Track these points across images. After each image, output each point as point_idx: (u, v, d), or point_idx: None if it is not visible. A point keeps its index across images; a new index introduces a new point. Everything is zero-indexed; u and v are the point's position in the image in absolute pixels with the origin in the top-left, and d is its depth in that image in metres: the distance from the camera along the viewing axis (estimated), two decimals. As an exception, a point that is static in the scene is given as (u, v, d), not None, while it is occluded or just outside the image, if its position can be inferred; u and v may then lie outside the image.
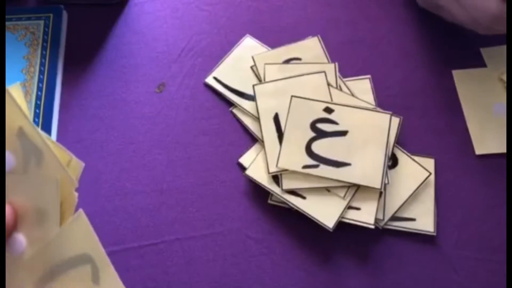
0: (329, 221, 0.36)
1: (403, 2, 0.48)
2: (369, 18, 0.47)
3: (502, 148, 0.40)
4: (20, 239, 0.23)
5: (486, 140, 0.41)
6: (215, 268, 0.37)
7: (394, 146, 0.39)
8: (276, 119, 0.40)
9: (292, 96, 0.40)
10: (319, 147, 0.38)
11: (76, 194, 0.23)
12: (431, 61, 0.45)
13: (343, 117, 0.39)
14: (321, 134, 0.38)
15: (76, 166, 0.24)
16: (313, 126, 0.39)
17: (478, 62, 0.44)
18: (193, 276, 0.37)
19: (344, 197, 0.36)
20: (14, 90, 0.23)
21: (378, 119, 0.38)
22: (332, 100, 0.40)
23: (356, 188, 0.37)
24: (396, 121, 0.40)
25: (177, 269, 0.37)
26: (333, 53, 0.43)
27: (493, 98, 0.42)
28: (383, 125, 0.38)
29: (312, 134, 0.38)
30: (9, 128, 0.23)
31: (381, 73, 0.43)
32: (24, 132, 0.23)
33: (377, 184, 0.36)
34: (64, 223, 0.23)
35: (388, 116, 0.38)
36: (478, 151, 0.41)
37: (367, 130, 0.38)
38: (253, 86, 0.41)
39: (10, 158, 0.24)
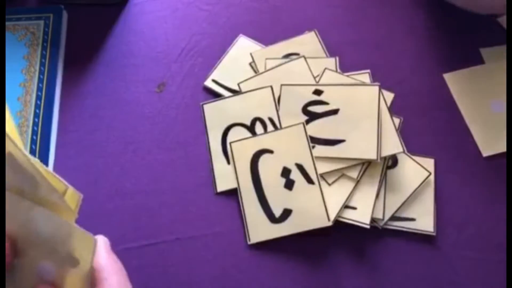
0: (330, 215, 0.36)
1: (403, 2, 0.48)
2: (369, 19, 0.47)
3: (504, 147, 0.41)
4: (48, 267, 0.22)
5: (491, 141, 0.41)
6: (215, 268, 0.37)
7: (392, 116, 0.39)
8: None
9: (281, 84, 0.40)
10: (312, 129, 0.38)
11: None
12: (431, 61, 0.45)
13: (332, 97, 0.39)
14: (313, 116, 0.39)
15: (74, 196, 0.22)
16: (304, 109, 0.39)
17: (478, 62, 0.44)
18: (193, 276, 0.37)
19: (357, 178, 0.37)
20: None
21: (367, 92, 0.39)
22: (318, 82, 0.40)
23: (366, 167, 0.37)
24: (390, 96, 0.41)
25: (177, 269, 0.37)
26: (333, 52, 0.44)
27: (490, 95, 0.43)
28: (372, 98, 0.38)
29: (305, 118, 0.39)
30: None
31: (381, 73, 0.43)
32: (13, 157, 0.21)
33: (372, 155, 0.36)
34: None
35: (376, 88, 0.39)
36: (485, 153, 0.41)
37: (357, 105, 0.38)
38: (238, 84, 0.42)
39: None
